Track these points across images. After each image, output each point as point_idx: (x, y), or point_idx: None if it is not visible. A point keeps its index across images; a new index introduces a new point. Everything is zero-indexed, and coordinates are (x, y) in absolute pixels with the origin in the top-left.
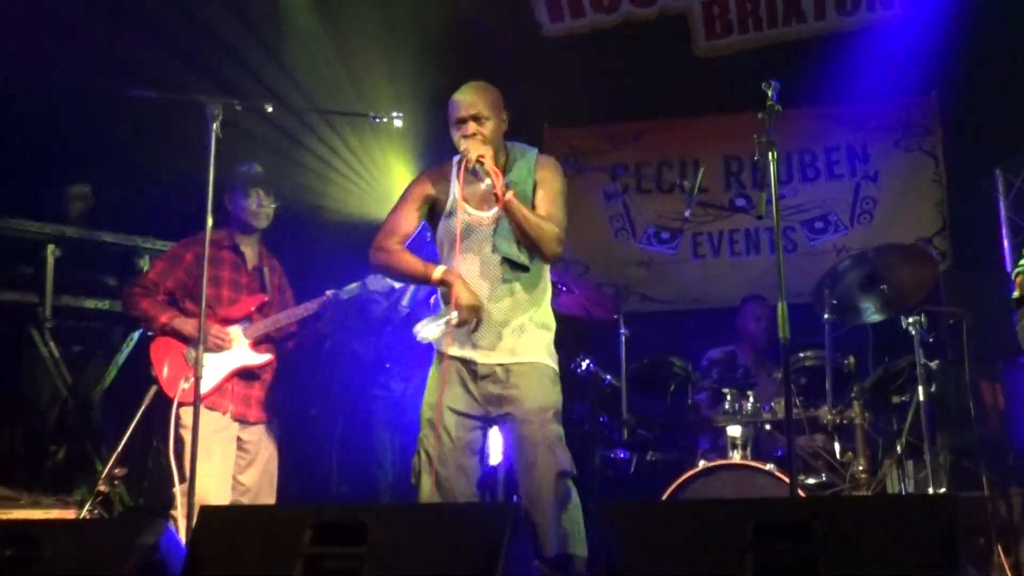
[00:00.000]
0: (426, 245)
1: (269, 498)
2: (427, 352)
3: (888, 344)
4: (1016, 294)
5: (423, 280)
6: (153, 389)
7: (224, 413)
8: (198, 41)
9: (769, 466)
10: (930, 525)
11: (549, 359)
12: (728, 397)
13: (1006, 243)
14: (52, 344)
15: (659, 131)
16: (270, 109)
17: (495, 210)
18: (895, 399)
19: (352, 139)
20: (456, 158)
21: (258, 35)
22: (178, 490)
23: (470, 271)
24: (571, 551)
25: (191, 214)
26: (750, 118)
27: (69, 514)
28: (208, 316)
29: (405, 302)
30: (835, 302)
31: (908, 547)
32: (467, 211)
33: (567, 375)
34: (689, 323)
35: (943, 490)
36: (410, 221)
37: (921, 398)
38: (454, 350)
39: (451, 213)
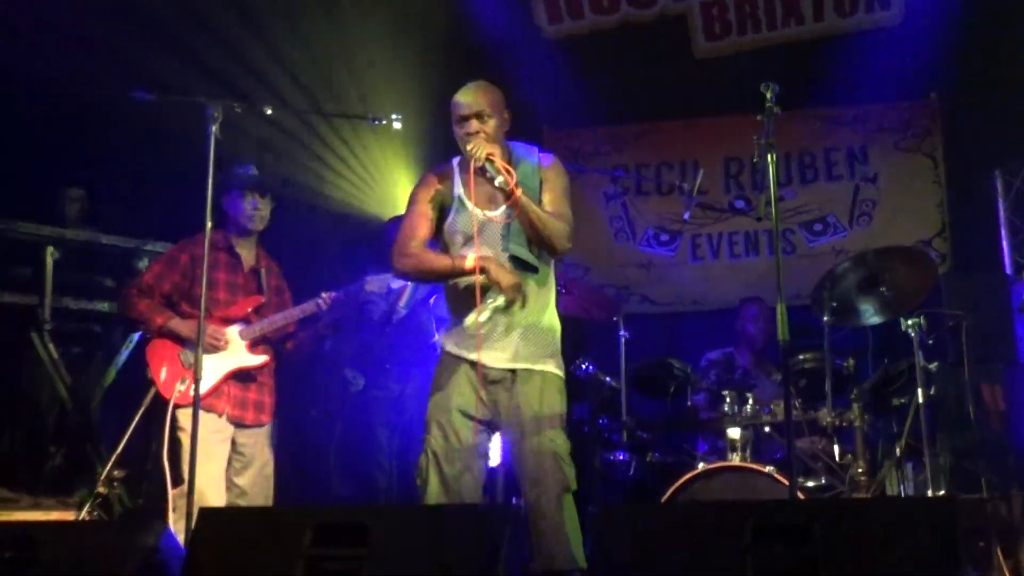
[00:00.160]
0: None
1: (265, 501)
2: (426, 353)
3: (887, 346)
4: None
5: (455, 273)
6: (152, 390)
7: (220, 415)
8: (198, 42)
9: (768, 468)
10: (930, 527)
11: (556, 366)
12: (727, 399)
13: (1005, 245)
14: (51, 346)
15: (658, 133)
16: (270, 111)
17: (502, 209)
18: (895, 401)
19: (352, 140)
20: (457, 159)
21: (259, 36)
22: (171, 494)
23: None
24: (569, 566)
25: (191, 216)
26: (749, 120)
27: (68, 516)
28: (205, 318)
29: (403, 303)
30: (834, 304)
31: (908, 549)
32: (477, 211)
33: (567, 377)
34: (688, 325)
35: (943, 492)
36: (426, 223)
37: (920, 400)
38: (462, 351)
39: (454, 212)
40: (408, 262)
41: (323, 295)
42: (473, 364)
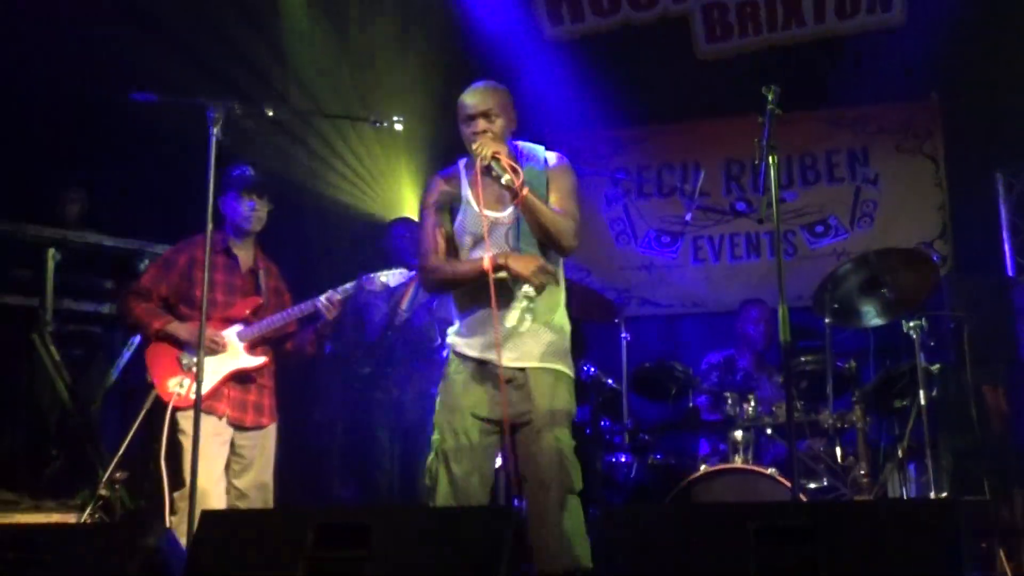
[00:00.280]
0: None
1: (264, 504)
2: (428, 355)
3: (889, 348)
4: None
5: (478, 276)
6: (154, 393)
7: (220, 417)
8: (199, 42)
9: (770, 470)
10: (932, 529)
11: (566, 366)
12: (729, 401)
13: (1007, 246)
14: (52, 348)
15: (660, 135)
16: (271, 113)
17: (510, 210)
18: (896, 403)
19: (354, 142)
20: (463, 160)
21: (261, 37)
22: (169, 496)
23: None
24: (572, 568)
25: (191, 218)
26: (751, 122)
27: (70, 518)
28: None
29: (404, 305)
30: (836, 306)
31: (910, 551)
32: (484, 212)
33: None
34: (690, 326)
35: (945, 494)
36: (440, 233)
37: (922, 402)
38: (473, 351)
39: (462, 213)
40: (434, 278)
41: (321, 298)
42: (483, 364)
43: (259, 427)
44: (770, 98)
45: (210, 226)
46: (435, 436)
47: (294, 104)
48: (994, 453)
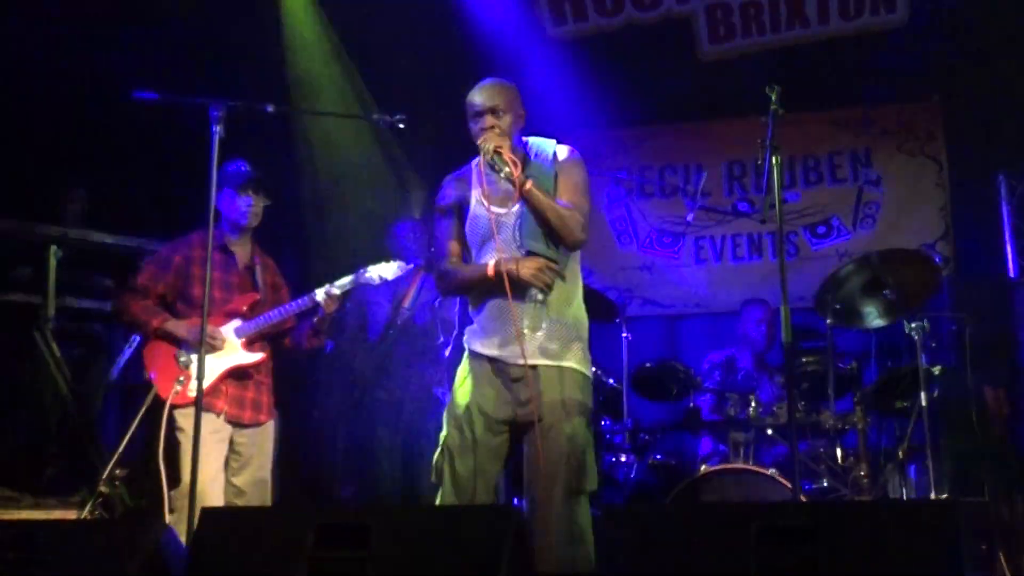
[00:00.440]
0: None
1: (263, 500)
2: (431, 355)
3: (891, 349)
4: None
5: (483, 281)
6: (153, 390)
7: (218, 414)
8: (201, 41)
9: (771, 470)
10: (932, 530)
11: (578, 361)
12: (730, 401)
13: (1009, 248)
14: (54, 345)
15: (662, 135)
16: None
17: (517, 206)
18: (897, 404)
19: (357, 140)
20: (476, 159)
21: (261, 35)
22: (167, 495)
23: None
24: (571, 570)
25: (192, 216)
26: (753, 122)
27: (70, 515)
28: (199, 317)
29: (407, 304)
30: (837, 307)
31: (910, 552)
32: (491, 209)
33: None
34: (691, 327)
35: (945, 495)
36: (451, 236)
37: (923, 403)
38: (486, 349)
39: (471, 211)
40: (445, 284)
41: (317, 292)
42: (495, 362)
43: (257, 424)
44: (773, 98)
45: (212, 225)
46: (443, 433)
47: (296, 102)
48: (995, 454)
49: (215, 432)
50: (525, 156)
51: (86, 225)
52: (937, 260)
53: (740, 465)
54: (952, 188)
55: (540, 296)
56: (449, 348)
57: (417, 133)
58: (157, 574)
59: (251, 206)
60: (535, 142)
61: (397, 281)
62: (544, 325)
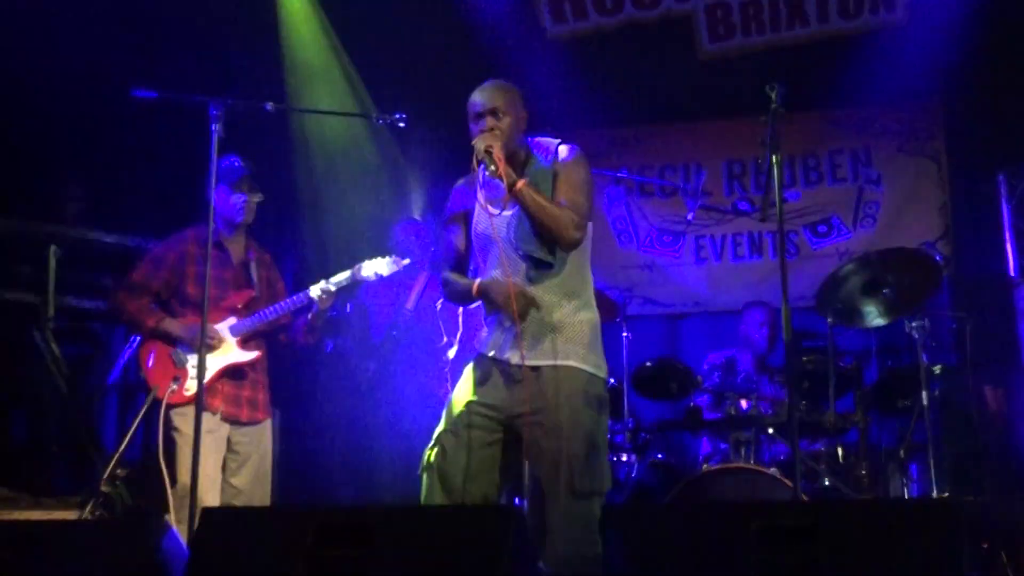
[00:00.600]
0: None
1: (262, 500)
2: (432, 356)
3: (891, 348)
4: None
5: (472, 296)
6: (153, 390)
7: (214, 413)
8: (201, 40)
9: (772, 470)
10: (933, 529)
11: (587, 363)
12: (730, 400)
13: (1009, 247)
14: (54, 344)
15: (662, 134)
16: (273, 110)
17: (514, 208)
18: (898, 403)
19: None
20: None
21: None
22: (170, 493)
23: (498, 273)
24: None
25: (192, 214)
26: (753, 122)
27: (70, 515)
28: (194, 315)
29: (410, 304)
30: (838, 306)
31: (911, 551)
32: (489, 211)
33: None
34: (691, 326)
35: (946, 494)
36: (453, 244)
37: (924, 402)
38: (489, 350)
39: (475, 215)
40: (446, 292)
41: (311, 289)
42: (496, 362)
43: (255, 422)
44: (773, 97)
45: (211, 223)
46: (439, 428)
47: (295, 101)
48: (995, 454)
49: (211, 432)
50: (528, 157)
51: (86, 224)
52: (937, 259)
53: (741, 464)
54: (952, 187)
55: (507, 323)
56: (452, 349)
57: (417, 132)
58: (157, 574)
59: (246, 202)
60: (540, 143)
61: (401, 282)
62: (546, 326)
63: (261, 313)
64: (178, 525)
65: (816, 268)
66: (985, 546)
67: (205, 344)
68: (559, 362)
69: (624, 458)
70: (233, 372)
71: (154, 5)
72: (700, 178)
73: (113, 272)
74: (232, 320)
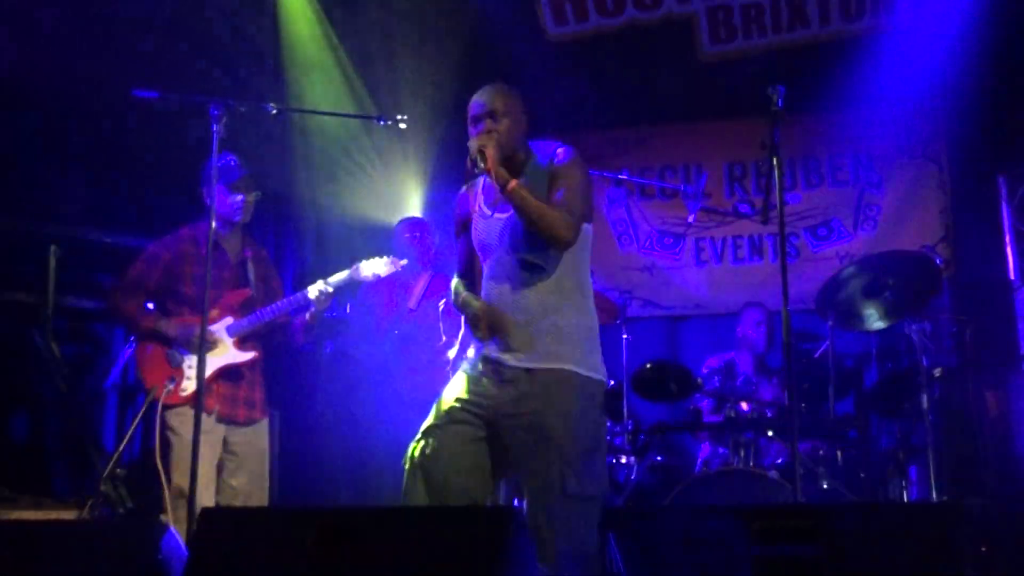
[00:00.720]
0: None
1: (260, 500)
2: (433, 356)
3: (891, 351)
4: None
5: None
6: (152, 391)
7: (210, 414)
8: (202, 40)
9: (772, 472)
10: (933, 532)
11: (582, 367)
12: (730, 403)
13: (1010, 250)
14: (54, 344)
15: (663, 136)
16: (275, 111)
17: (510, 211)
18: (898, 406)
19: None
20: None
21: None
22: (167, 493)
23: (494, 276)
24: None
25: (192, 214)
26: (754, 124)
27: (70, 515)
28: (190, 315)
29: (413, 304)
30: (838, 309)
31: (911, 554)
32: (486, 214)
33: None
34: (692, 328)
35: (946, 497)
36: (465, 248)
37: (924, 405)
38: (488, 351)
39: (476, 219)
40: (453, 301)
41: (309, 289)
42: (490, 361)
43: (252, 422)
44: (775, 99)
45: (212, 224)
46: (427, 420)
47: (295, 102)
48: (995, 457)
49: (206, 433)
50: (527, 159)
51: (86, 224)
52: (938, 262)
53: (740, 467)
54: (953, 190)
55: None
56: (452, 349)
57: (417, 133)
58: (156, 574)
59: (244, 202)
60: (540, 146)
61: (402, 282)
62: (541, 329)
63: (258, 313)
64: (174, 525)
65: (817, 271)
66: (984, 549)
67: (205, 346)
68: (553, 365)
69: (623, 460)
70: (229, 372)
71: (154, 5)
72: (701, 180)
73: (113, 272)
74: (229, 320)
